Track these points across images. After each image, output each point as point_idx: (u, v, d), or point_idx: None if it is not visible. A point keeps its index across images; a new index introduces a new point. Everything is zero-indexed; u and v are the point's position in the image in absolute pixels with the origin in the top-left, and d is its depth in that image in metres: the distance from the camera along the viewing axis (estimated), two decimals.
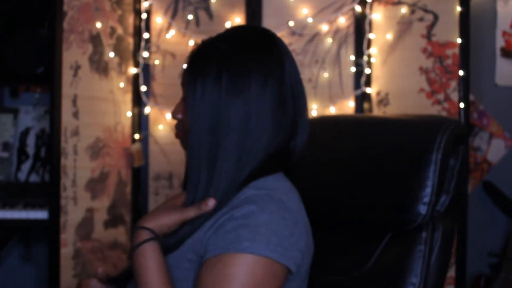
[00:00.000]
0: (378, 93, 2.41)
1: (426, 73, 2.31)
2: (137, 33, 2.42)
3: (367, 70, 2.40)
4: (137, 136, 2.41)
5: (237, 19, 2.44)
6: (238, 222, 0.96)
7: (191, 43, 2.43)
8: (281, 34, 2.43)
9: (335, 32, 2.43)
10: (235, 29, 1.10)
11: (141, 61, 2.40)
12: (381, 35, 2.40)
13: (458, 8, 2.24)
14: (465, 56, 2.25)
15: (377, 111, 2.40)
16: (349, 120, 1.38)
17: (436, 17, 2.30)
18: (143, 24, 2.40)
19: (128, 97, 2.42)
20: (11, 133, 2.56)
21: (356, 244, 1.22)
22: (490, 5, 2.76)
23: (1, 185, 2.44)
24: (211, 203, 1.00)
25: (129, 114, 2.41)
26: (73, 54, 2.14)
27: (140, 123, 2.42)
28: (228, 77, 1.00)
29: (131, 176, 2.42)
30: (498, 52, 2.76)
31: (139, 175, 2.41)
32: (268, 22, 2.43)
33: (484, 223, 2.71)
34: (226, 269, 0.94)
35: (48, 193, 2.11)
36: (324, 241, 1.23)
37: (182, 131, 1.09)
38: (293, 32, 2.44)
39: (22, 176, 2.51)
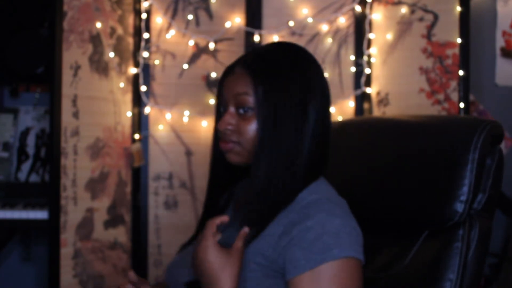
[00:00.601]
0: (378, 93, 2.41)
1: (426, 73, 2.31)
2: (137, 33, 2.42)
3: (367, 70, 2.40)
4: (137, 136, 2.41)
5: (237, 19, 2.44)
6: (317, 231, 1.01)
7: (191, 43, 2.43)
8: (281, 34, 2.43)
9: (335, 32, 2.43)
10: (287, 43, 1.18)
11: (141, 61, 2.40)
12: (381, 35, 2.40)
13: (458, 8, 2.24)
14: (465, 56, 2.25)
15: (377, 111, 2.40)
16: (382, 121, 1.41)
17: (436, 17, 2.30)
18: (143, 24, 2.40)
19: (128, 97, 2.42)
20: (11, 133, 2.56)
21: (392, 242, 1.25)
22: (490, 5, 2.76)
23: (1, 185, 2.44)
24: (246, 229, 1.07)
25: (129, 114, 2.41)
26: (73, 54, 2.14)
27: (140, 123, 2.42)
28: (302, 86, 1.09)
29: (131, 176, 2.42)
30: (498, 52, 2.77)
31: (139, 175, 2.41)
32: (268, 22, 2.43)
33: None
34: (332, 278, 1.00)
35: (48, 193, 2.11)
36: None
37: (237, 141, 1.12)
38: (293, 32, 2.44)
39: (22, 176, 2.51)
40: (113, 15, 2.33)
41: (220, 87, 1.17)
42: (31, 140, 2.55)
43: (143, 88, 2.40)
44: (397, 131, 1.32)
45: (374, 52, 2.41)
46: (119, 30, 2.36)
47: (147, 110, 2.41)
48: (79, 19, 2.17)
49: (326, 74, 2.38)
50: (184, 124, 2.43)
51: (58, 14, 2.07)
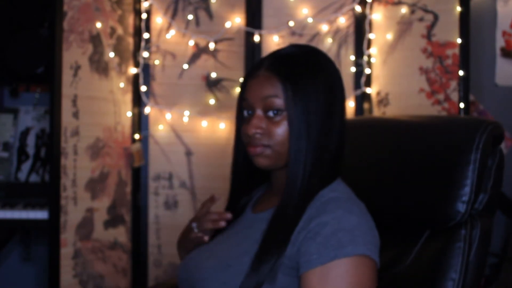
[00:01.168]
0: (378, 93, 2.41)
1: (426, 73, 2.31)
2: (137, 33, 2.42)
3: (367, 70, 2.40)
4: (137, 136, 2.41)
5: (237, 19, 2.44)
6: (333, 227, 1.03)
7: (191, 43, 2.43)
8: (281, 34, 2.43)
9: (335, 32, 2.43)
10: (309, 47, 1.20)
11: (141, 61, 2.40)
12: (381, 35, 2.40)
13: (458, 8, 2.24)
14: (465, 56, 2.25)
15: (377, 111, 2.40)
16: (382, 121, 1.41)
17: (436, 17, 2.30)
18: (143, 24, 2.40)
19: (128, 97, 2.42)
20: (11, 133, 2.56)
21: (395, 242, 1.26)
22: (490, 5, 2.76)
23: (1, 185, 2.44)
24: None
25: (129, 114, 2.41)
26: (73, 54, 2.14)
27: (140, 123, 2.42)
28: (326, 87, 1.14)
29: (131, 176, 2.42)
30: (498, 52, 2.77)
31: (139, 175, 2.41)
32: (268, 22, 2.43)
33: None
34: (343, 275, 1.01)
35: (48, 193, 2.10)
36: None
37: (267, 145, 1.12)
38: (293, 32, 2.44)
39: (22, 176, 2.51)
40: (113, 15, 2.33)
41: (242, 91, 1.16)
42: (31, 140, 2.55)
43: (143, 88, 2.40)
44: (398, 131, 1.32)
45: (374, 52, 2.41)
46: (119, 30, 2.36)
47: (147, 110, 2.41)
48: (79, 19, 2.17)
49: None
50: (184, 124, 2.43)
51: (58, 14, 2.07)
